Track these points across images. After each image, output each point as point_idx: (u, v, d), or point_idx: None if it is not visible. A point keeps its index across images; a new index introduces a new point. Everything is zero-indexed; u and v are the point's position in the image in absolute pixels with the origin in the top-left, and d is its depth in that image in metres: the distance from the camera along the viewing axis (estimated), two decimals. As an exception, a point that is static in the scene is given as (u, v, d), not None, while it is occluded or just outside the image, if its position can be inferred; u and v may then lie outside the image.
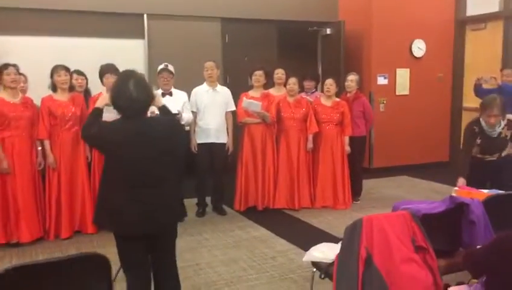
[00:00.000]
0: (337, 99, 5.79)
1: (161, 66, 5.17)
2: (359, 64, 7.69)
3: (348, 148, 5.75)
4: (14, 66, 4.50)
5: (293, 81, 5.67)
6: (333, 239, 4.55)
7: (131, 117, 2.66)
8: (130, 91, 2.61)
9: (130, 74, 2.68)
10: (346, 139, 5.74)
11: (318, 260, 2.87)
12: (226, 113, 5.49)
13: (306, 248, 4.28)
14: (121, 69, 4.74)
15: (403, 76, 7.80)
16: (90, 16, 6.71)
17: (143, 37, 7.17)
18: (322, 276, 2.83)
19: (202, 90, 5.41)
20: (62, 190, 4.67)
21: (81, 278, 2.15)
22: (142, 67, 6.98)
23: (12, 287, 1.93)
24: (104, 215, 2.74)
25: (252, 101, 5.44)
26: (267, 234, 4.86)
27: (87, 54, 6.49)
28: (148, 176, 2.65)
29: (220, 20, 7.52)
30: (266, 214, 5.47)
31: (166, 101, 4.87)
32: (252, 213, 5.49)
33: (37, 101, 4.71)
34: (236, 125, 5.65)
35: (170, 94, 5.16)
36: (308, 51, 8.47)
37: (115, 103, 2.66)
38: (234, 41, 7.68)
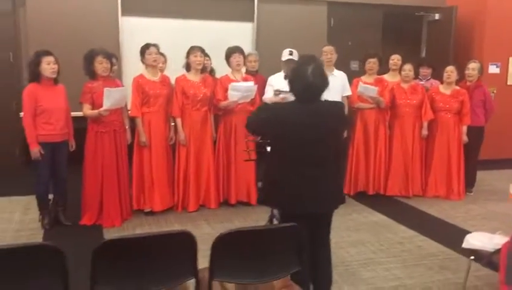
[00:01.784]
0: (457, 87, 5.65)
1: (286, 57, 5.19)
2: (469, 52, 7.43)
3: (465, 138, 5.63)
4: (155, 45, 4.77)
5: (408, 67, 5.61)
6: (456, 229, 4.56)
7: (305, 101, 2.76)
8: (308, 76, 2.70)
9: (310, 59, 2.78)
10: (464, 129, 5.62)
11: (478, 248, 2.88)
12: (342, 98, 5.52)
13: (431, 235, 4.35)
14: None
15: (516, 65, 7.46)
16: (206, -2, 6.92)
17: (252, 20, 7.30)
18: (482, 264, 2.84)
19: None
20: (190, 165, 4.94)
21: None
22: (248, 51, 7.13)
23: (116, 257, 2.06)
24: (272, 194, 2.87)
25: (368, 86, 5.44)
26: (385, 219, 4.90)
27: (201, 35, 6.71)
28: (316, 157, 2.76)
29: (326, 4, 7.51)
30: (378, 200, 5.50)
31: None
32: (363, 198, 5.54)
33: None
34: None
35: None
36: (412, 36, 8.29)
37: (292, 85, 2.78)
38: (339, 25, 7.65)
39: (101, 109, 4.32)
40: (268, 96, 5.05)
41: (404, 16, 8.07)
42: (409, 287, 3.43)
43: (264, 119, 2.84)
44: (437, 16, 7.85)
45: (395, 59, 5.78)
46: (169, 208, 4.95)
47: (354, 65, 7.30)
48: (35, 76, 4.28)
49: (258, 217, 4.70)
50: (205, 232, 4.33)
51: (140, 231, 4.39)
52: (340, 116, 2.92)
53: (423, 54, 8.25)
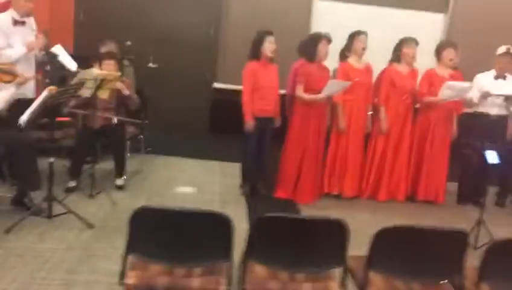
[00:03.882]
0: None
1: (503, 49, 4.93)
2: None
3: None
4: (365, 33, 4.82)
5: None
6: None
7: None
8: None
9: None
10: None
11: None
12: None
13: None
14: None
15: None
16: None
17: (445, 11, 6.98)
18: None
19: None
20: (387, 156, 4.98)
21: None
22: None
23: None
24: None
25: None
26: None
27: (385, 23, 6.60)
28: None
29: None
30: None
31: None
32: None
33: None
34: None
35: (504, 78, 4.98)
36: None
37: None
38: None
39: (319, 96, 4.51)
40: (473, 94, 4.86)
41: None
42: None
43: None
44: None
45: None
46: (356, 196, 5.03)
47: None
48: (257, 54, 4.59)
49: (449, 218, 4.59)
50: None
51: (331, 213, 4.52)
52: None
53: None
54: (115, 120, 4.56)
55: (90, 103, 4.37)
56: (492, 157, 3.80)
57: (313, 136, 4.68)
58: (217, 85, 6.93)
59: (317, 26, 6.67)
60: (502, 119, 4.99)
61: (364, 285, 2.25)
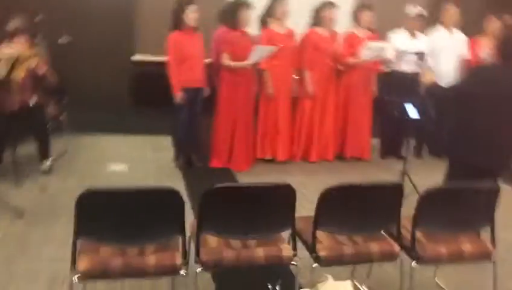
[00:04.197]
0: None
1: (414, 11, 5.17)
2: None
3: None
4: (286, -1, 4.87)
5: None
6: None
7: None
8: None
9: None
10: None
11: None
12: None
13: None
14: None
15: None
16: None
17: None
18: None
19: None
20: (315, 118, 5.14)
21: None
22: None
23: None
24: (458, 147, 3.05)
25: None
26: None
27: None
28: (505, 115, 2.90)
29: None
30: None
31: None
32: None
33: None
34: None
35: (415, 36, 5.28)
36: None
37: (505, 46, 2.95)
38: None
39: (246, 63, 4.52)
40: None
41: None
42: None
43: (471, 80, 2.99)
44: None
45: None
46: (289, 158, 5.18)
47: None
48: (179, 24, 4.49)
49: (376, 172, 4.89)
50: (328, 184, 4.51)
51: (268, 178, 4.65)
52: None
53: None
54: (33, 101, 4.31)
55: (3, 85, 4.07)
56: (412, 112, 4.06)
57: (242, 103, 4.72)
58: (137, 57, 6.71)
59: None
60: (415, 76, 5.32)
61: (313, 244, 2.36)
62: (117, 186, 2.16)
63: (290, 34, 5.00)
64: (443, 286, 2.91)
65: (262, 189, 2.28)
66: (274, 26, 4.92)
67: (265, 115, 5.02)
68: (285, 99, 5.03)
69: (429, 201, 2.38)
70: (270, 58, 4.84)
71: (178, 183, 4.35)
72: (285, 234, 2.42)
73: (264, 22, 5.01)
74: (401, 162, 5.15)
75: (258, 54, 4.55)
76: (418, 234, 2.47)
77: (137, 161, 4.99)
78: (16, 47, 4.18)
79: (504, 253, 2.53)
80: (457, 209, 2.41)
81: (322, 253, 2.36)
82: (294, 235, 2.38)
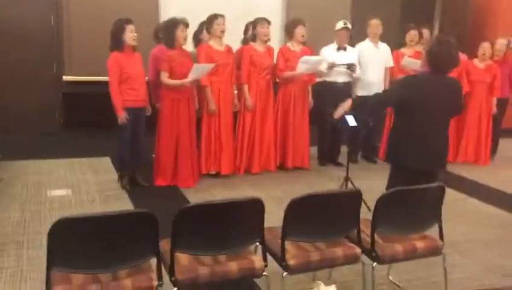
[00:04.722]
0: (490, 62, 6.11)
1: (341, 25, 5.49)
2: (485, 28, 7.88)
3: (495, 109, 6.14)
4: (223, 16, 4.98)
5: (486, 46, 6.03)
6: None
7: (441, 73, 3.16)
8: (454, 52, 3.13)
9: (449, 37, 3.17)
10: (495, 100, 6.13)
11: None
12: (385, 68, 5.89)
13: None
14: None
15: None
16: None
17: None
18: None
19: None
20: (256, 130, 5.27)
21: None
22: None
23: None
24: (401, 152, 3.24)
25: (411, 60, 5.79)
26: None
27: (232, 4, 6.75)
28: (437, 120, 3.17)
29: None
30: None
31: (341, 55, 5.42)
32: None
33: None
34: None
35: (345, 49, 5.58)
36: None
37: (434, 57, 3.14)
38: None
39: (186, 80, 4.56)
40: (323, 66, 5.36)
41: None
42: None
43: (406, 89, 3.16)
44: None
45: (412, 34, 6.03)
46: (233, 172, 5.25)
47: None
48: (118, 44, 4.45)
49: (319, 180, 5.11)
50: (275, 195, 4.65)
51: (216, 192, 4.69)
52: (460, 92, 3.35)
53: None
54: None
55: None
56: (351, 120, 4.30)
57: (184, 120, 4.74)
58: (67, 78, 6.52)
59: (165, 12, 6.61)
60: (347, 86, 5.64)
61: (283, 254, 2.46)
62: (89, 213, 2.14)
63: (229, 51, 5.11)
64: (396, 283, 3.12)
65: (234, 204, 2.35)
66: (212, 43, 5.01)
67: (208, 130, 5.08)
68: (227, 114, 5.12)
69: (384, 205, 2.57)
70: (210, 74, 4.92)
71: (125, 204, 4.29)
72: (255, 246, 2.51)
73: (198, 39, 5.08)
74: (339, 168, 5.48)
75: (197, 72, 4.60)
76: (376, 237, 2.65)
77: (79, 184, 4.84)
78: None
79: (446, 247, 2.77)
80: (410, 210, 2.63)
81: (291, 262, 2.47)
82: (265, 247, 2.47)
